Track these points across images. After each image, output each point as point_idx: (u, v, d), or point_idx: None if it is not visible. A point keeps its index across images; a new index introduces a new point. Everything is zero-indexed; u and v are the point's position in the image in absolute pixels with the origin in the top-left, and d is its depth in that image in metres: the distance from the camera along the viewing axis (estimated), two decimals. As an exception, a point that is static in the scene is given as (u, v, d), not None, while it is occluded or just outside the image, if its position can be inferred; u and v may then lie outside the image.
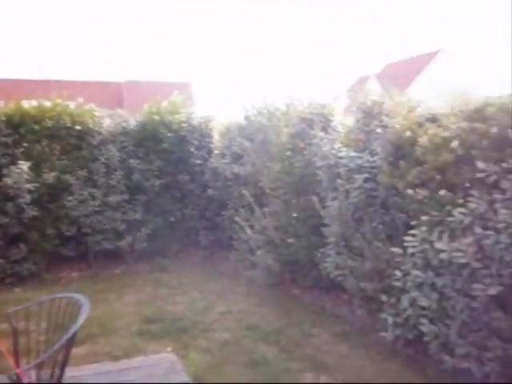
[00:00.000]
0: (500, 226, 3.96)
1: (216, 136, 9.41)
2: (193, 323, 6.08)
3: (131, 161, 8.81)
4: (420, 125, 5.12)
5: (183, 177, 9.13)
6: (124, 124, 9.06)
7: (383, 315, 5.04)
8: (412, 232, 4.59)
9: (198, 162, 9.16)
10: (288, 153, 6.84)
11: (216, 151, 9.10)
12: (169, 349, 5.26)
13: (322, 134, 6.22)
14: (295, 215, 6.68)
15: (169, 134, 8.99)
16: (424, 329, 4.56)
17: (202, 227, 9.20)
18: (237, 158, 8.26)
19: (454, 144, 4.51)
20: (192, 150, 9.18)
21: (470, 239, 4.12)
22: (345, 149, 5.85)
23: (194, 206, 9.24)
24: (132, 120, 9.22)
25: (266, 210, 7.16)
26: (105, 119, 8.88)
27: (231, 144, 8.51)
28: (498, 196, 4.06)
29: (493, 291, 3.94)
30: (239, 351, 5.30)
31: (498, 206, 4.04)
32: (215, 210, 9.06)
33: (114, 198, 8.50)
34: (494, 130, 4.29)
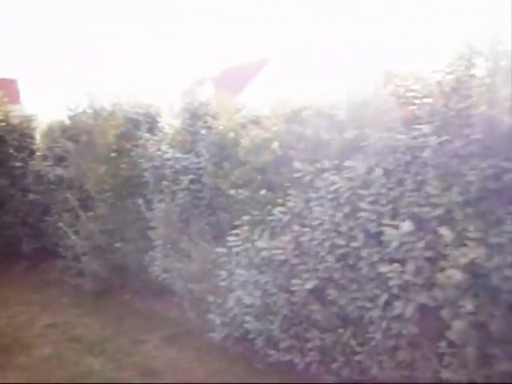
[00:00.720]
0: (315, 223, 4.18)
1: (38, 137, 8.80)
2: (13, 340, 5.66)
3: None
4: (243, 126, 5.23)
5: (1, 181, 8.40)
6: None
7: (210, 316, 5.06)
8: (235, 232, 4.68)
9: (18, 164, 8.49)
10: (114, 154, 6.60)
11: (38, 153, 8.52)
12: (-19, 371, 4.80)
13: (147, 134, 6.10)
14: (122, 218, 6.47)
15: (-16, 135, 8.23)
16: (249, 326, 4.67)
17: (24, 235, 8.51)
18: (60, 160, 7.80)
19: (274, 145, 4.67)
20: (11, 151, 8.48)
21: (288, 237, 4.29)
22: (171, 150, 5.80)
23: (15, 212, 8.53)
24: None
25: (91, 214, 6.85)
26: None
27: (54, 145, 8.02)
28: (313, 195, 4.28)
29: (310, 285, 4.14)
30: (62, 365, 5.01)
31: (313, 204, 4.26)
32: (38, 216, 8.44)
33: None
34: (310, 132, 4.52)
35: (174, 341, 5.52)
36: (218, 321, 4.96)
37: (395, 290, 3.75)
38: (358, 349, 4.14)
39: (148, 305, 6.53)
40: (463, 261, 3.39)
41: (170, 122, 6.61)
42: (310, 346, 4.35)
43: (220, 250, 4.88)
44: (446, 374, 3.68)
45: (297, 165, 4.40)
